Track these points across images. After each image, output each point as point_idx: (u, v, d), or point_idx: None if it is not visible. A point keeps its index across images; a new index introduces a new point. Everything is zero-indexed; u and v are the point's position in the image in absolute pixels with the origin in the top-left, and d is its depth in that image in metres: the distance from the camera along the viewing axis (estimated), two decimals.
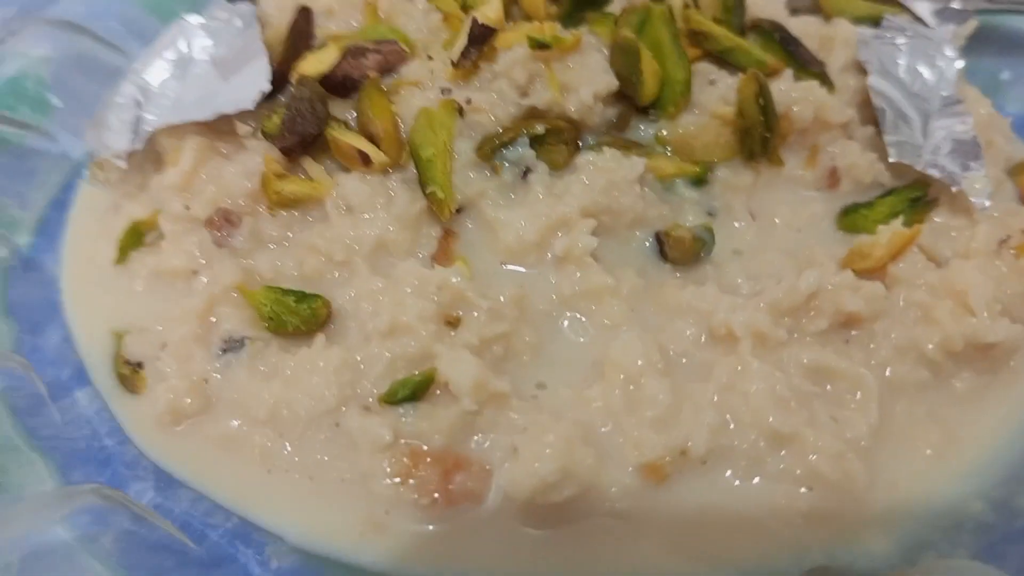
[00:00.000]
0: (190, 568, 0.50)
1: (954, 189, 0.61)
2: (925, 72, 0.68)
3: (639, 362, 0.53)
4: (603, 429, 0.53)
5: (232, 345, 0.57)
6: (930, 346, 0.53)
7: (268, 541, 0.51)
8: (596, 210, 0.59)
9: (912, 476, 0.51)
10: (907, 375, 0.53)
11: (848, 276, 0.55)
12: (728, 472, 0.50)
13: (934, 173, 0.62)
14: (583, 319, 0.57)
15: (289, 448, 0.52)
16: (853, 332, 0.55)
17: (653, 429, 0.51)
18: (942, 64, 0.69)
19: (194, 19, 0.72)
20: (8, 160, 0.76)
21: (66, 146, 0.79)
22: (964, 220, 0.62)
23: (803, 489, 0.50)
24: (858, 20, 0.75)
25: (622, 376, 0.52)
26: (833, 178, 0.64)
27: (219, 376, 0.55)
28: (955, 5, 0.82)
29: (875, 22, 0.75)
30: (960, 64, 0.69)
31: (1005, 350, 0.55)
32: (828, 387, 0.53)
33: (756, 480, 0.50)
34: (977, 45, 0.80)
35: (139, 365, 0.60)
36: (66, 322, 0.65)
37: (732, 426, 0.51)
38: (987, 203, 0.61)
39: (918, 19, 0.78)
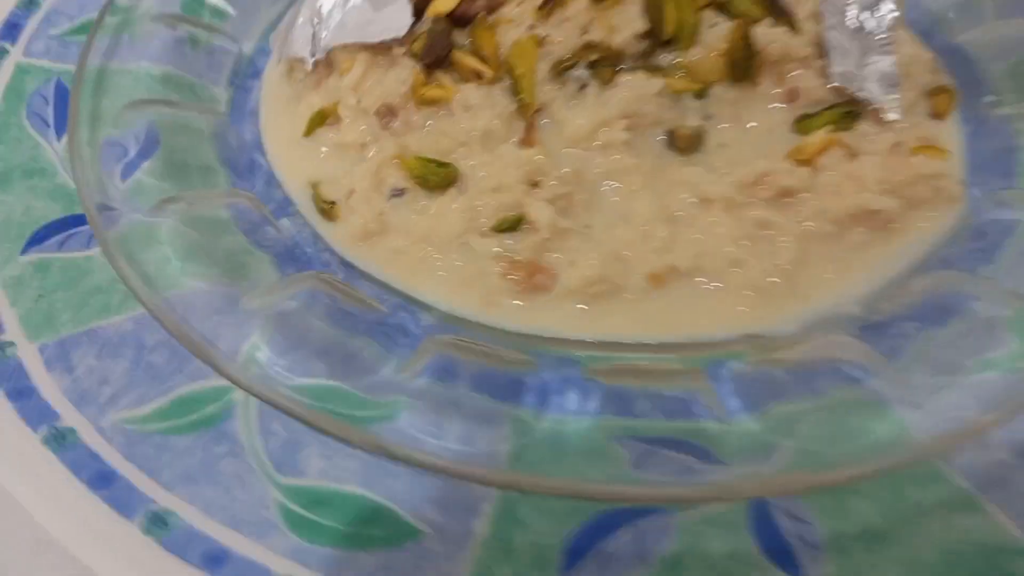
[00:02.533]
0: (372, 324, 0.71)
1: (874, 106, 0.81)
2: (868, 20, 0.84)
3: (650, 213, 0.75)
4: (626, 252, 0.73)
5: (397, 192, 0.76)
6: (836, 210, 0.75)
7: (421, 310, 0.73)
8: (629, 113, 0.77)
9: (815, 289, 0.73)
10: (819, 229, 0.74)
11: (788, 164, 0.76)
12: (701, 279, 0.73)
13: (863, 95, 0.80)
14: (617, 185, 0.76)
15: (436, 256, 0.74)
16: (787, 200, 0.75)
17: (656, 254, 0.72)
18: (883, 12, 0.85)
19: None
20: (201, 55, 0.89)
21: (241, 46, 0.93)
22: (879, 128, 0.81)
23: (747, 292, 0.73)
24: None
25: (640, 223, 0.74)
26: (793, 95, 0.81)
27: (390, 211, 0.76)
28: None
29: None
30: (895, 14, 0.85)
31: (886, 216, 0.75)
32: (769, 232, 0.74)
33: (717, 285, 0.73)
34: None
35: (334, 203, 0.78)
36: (269, 172, 0.83)
37: (706, 255, 0.73)
38: (896, 117, 0.80)
39: None
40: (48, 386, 0.67)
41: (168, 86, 0.84)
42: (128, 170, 0.77)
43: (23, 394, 0.66)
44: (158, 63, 0.86)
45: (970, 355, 0.67)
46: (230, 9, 0.94)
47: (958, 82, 0.92)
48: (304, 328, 0.69)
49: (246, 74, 0.93)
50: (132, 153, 0.78)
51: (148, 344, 0.70)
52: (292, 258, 0.77)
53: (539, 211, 0.72)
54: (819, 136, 0.77)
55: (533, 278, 0.72)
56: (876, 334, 0.70)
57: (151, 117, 0.81)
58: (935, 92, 0.89)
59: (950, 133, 0.87)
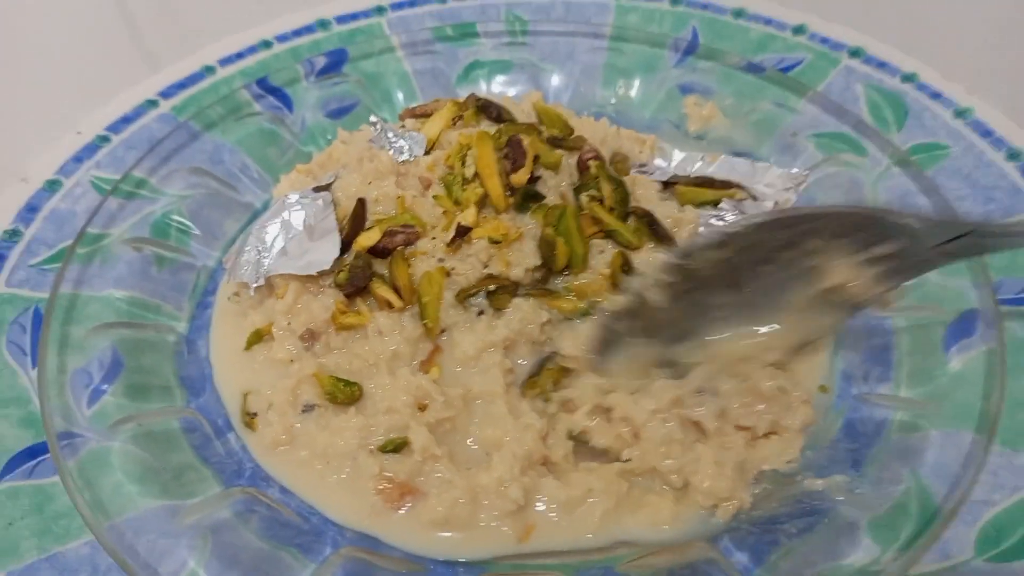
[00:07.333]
0: (295, 533, 0.73)
1: None
2: None
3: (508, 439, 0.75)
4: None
5: (308, 408, 0.79)
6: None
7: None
8: (513, 337, 0.80)
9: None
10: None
11: None
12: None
13: None
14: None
15: (332, 469, 0.76)
16: None
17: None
18: None
19: (293, 197, 0.89)
20: (167, 274, 0.93)
21: (203, 261, 0.97)
22: None
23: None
24: (703, 204, 0.92)
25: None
26: None
27: (299, 425, 0.78)
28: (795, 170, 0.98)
29: (715, 204, 0.92)
30: None
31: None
32: None
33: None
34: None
35: (255, 414, 0.81)
36: (215, 386, 0.86)
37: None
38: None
39: (753, 196, 0.93)
40: None
41: (134, 308, 0.88)
42: (95, 396, 0.78)
43: None
44: (124, 287, 0.88)
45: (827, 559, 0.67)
46: (194, 228, 0.98)
47: None
48: (236, 542, 0.71)
49: (205, 289, 0.95)
50: (97, 379, 0.80)
51: (101, 568, 0.71)
52: (236, 471, 0.78)
53: (418, 436, 0.74)
54: None
55: (402, 498, 0.73)
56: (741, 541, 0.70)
57: (114, 339, 0.83)
58: None
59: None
